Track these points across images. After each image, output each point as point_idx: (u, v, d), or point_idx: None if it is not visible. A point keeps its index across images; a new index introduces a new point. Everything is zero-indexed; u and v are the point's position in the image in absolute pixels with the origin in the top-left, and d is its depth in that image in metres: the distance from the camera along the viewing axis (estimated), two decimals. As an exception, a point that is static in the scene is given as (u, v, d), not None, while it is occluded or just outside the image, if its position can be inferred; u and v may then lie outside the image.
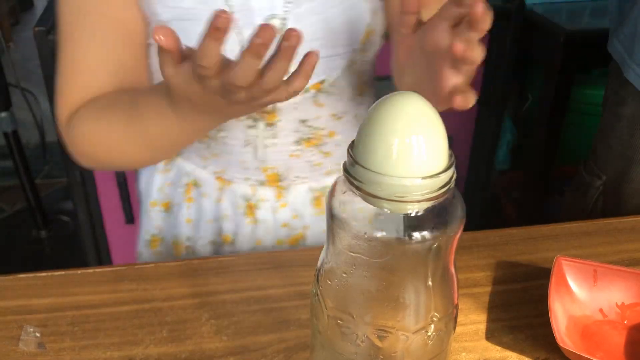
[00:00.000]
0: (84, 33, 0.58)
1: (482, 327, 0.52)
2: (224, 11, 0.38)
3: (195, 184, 0.72)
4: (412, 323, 0.33)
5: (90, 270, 0.58)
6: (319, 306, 0.35)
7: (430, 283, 0.33)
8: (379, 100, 0.31)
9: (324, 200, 0.72)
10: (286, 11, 0.58)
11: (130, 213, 1.39)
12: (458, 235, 0.32)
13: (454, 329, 0.36)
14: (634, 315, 0.52)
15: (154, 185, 0.75)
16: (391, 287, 0.32)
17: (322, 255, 0.35)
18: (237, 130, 0.65)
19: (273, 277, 0.57)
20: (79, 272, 0.58)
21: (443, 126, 0.30)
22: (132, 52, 0.61)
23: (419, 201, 0.30)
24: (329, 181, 0.72)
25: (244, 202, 0.70)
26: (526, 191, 1.58)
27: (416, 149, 0.29)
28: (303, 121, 0.65)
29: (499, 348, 0.50)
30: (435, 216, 0.31)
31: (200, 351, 0.49)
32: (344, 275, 0.33)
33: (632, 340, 0.51)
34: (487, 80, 1.50)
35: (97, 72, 0.59)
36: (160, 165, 0.74)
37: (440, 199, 0.30)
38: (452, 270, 0.34)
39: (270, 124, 0.64)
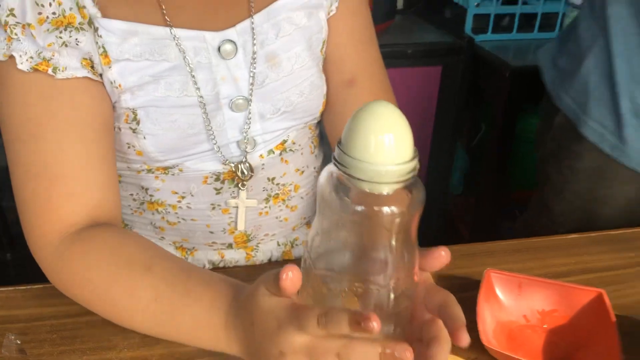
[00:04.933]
0: (56, 134, 0.54)
1: (422, 331, 0.59)
2: (374, 320, 0.37)
3: None
4: (382, 279, 0.41)
5: (67, 284, 0.63)
6: (310, 268, 0.43)
7: (396, 250, 0.41)
8: (361, 107, 0.40)
9: (293, 252, 0.75)
10: (250, 91, 0.63)
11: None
12: (419, 213, 0.41)
13: (416, 287, 0.45)
14: (552, 320, 0.60)
15: None
16: (366, 251, 0.41)
17: (312, 229, 0.43)
18: (204, 195, 0.66)
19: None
20: (57, 285, 0.63)
21: (409, 127, 0.39)
22: (110, 140, 0.59)
23: (390, 183, 0.39)
24: (295, 235, 0.75)
25: (211, 267, 0.71)
26: (478, 215, 1.68)
27: (388, 143, 0.38)
28: (271, 179, 0.69)
29: (436, 350, 0.57)
30: (402, 196, 0.40)
31: (170, 354, 0.55)
32: (330, 242, 0.42)
33: (550, 342, 0.58)
34: (440, 111, 1.60)
35: (81, 173, 0.55)
36: None
37: (407, 183, 0.39)
38: (415, 242, 0.42)
39: (240, 186, 0.66)
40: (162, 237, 0.71)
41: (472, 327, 0.57)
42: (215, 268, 0.71)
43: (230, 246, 0.71)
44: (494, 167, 1.56)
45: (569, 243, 0.73)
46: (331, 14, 0.69)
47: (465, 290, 0.64)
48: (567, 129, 0.88)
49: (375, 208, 0.40)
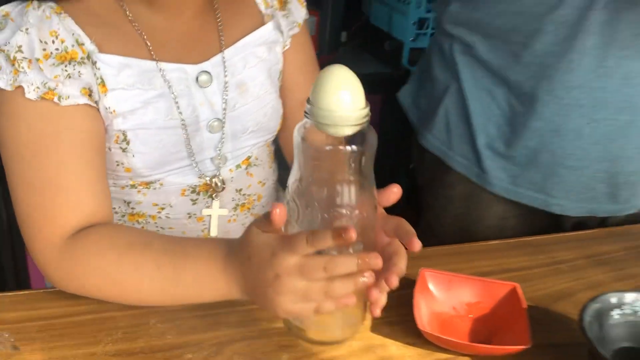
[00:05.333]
0: (60, 152, 0.62)
1: (368, 323, 0.69)
2: (351, 231, 0.48)
3: None
4: (350, 206, 0.54)
5: (51, 290, 0.69)
6: (292, 207, 0.54)
7: (359, 182, 0.54)
8: (323, 70, 0.52)
9: None
10: (224, 114, 0.74)
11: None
12: (374, 151, 0.53)
13: (377, 213, 0.57)
14: (476, 310, 0.71)
15: None
16: (336, 184, 0.53)
17: (291, 176, 0.55)
18: (182, 206, 0.76)
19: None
20: (42, 291, 0.69)
21: (360, 83, 0.51)
22: (103, 158, 0.68)
23: (350, 125, 0.51)
24: None
25: None
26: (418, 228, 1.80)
27: (346, 95, 0.51)
28: (239, 190, 0.80)
29: (380, 337, 0.67)
30: (359, 137, 0.53)
31: (149, 347, 0.62)
32: (310, 179, 0.53)
33: (474, 328, 0.70)
34: (380, 136, 1.73)
35: (82, 186, 0.63)
36: None
37: (363, 126, 0.51)
38: (373, 178, 0.55)
39: (213, 197, 0.76)
40: None
41: (410, 317, 0.67)
42: None
43: None
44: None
45: (490, 248, 0.85)
46: (285, 48, 0.81)
47: (404, 288, 0.73)
48: (437, 162, 0.99)
49: (341, 147, 0.52)
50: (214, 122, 0.73)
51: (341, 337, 0.62)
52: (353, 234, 0.48)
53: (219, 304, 0.68)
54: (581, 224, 0.96)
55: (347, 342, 0.65)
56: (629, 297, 0.65)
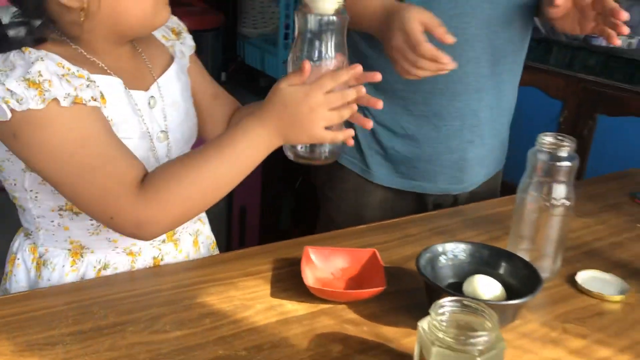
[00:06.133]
0: (99, 136, 0.80)
1: (268, 292, 0.89)
2: (359, 66, 0.81)
3: (105, 267, 0.93)
4: (334, 57, 0.83)
5: (4, 297, 0.83)
6: (299, 63, 0.81)
7: (339, 43, 0.83)
8: None
9: (199, 239, 1.05)
10: (166, 126, 0.95)
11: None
12: (347, 22, 0.83)
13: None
14: (348, 273, 0.94)
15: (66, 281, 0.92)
16: (324, 46, 0.82)
17: (293, 46, 0.83)
18: None
19: (149, 283, 0.88)
20: (-6, 299, 0.82)
21: None
22: None
23: (332, 2, 0.80)
24: (197, 226, 1.05)
25: (152, 261, 0.96)
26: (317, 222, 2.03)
27: None
28: None
29: (278, 300, 0.87)
30: (337, 12, 0.82)
31: (97, 326, 0.78)
32: (308, 43, 0.82)
33: (348, 286, 0.92)
34: (265, 162, 1.95)
35: (126, 151, 0.82)
36: (67, 267, 0.92)
37: (340, 4, 0.80)
38: (345, 40, 0.84)
39: None
40: (115, 247, 0.94)
41: (300, 285, 0.88)
42: (155, 261, 0.97)
43: (163, 242, 0.98)
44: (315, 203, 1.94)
45: (358, 231, 1.10)
46: (188, 66, 1.06)
47: (294, 264, 0.95)
48: (331, 164, 1.21)
49: (325, 18, 0.80)
50: (160, 134, 0.94)
51: (333, 158, 0.91)
52: (360, 67, 0.80)
53: (149, 290, 0.87)
54: (439, 204, 1.29)
55: (255, 303, 0.85)
56: (449, 246, 0.91)
